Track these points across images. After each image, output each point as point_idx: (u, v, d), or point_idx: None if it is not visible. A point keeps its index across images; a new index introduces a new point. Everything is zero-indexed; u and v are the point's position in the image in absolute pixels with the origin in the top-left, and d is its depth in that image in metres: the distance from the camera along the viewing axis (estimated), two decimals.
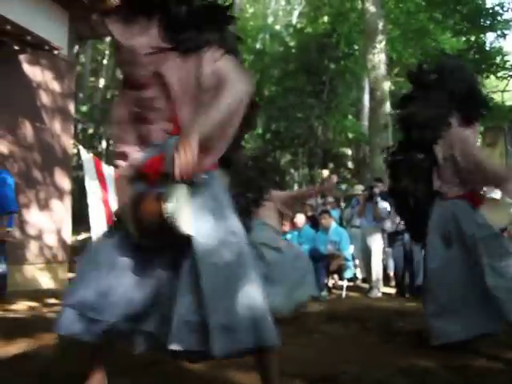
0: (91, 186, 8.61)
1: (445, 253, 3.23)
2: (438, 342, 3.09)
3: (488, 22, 16.02)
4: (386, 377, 2.56)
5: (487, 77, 17.39)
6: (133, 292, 1.99)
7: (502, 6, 15.99)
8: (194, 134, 1.86)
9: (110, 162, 15.03)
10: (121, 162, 2.22)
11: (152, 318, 2.00)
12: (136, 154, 2.16)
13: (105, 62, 22.84)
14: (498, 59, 16.40)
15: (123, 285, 2.00)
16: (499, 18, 15.97)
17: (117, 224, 2.12)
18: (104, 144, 21.04)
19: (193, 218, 1.95)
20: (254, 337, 1.87)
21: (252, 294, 1.95)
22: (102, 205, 8.65)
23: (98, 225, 8.50)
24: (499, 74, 16.65)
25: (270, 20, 24.22)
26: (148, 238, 1.98)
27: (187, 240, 1.93)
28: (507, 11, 15.84)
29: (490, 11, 16.03)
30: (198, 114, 2.00)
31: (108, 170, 9.16)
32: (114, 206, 8.91)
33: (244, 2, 21.39)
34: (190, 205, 1.95)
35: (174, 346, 1.84)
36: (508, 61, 16.40)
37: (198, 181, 2.00)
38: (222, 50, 2.07)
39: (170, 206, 1.85)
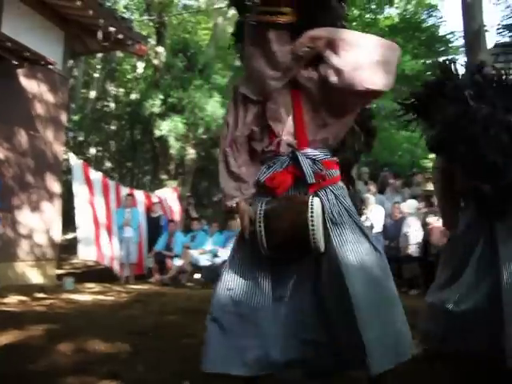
0: (79, 189, 8.55)
1: None
2: None
3: (442, 48, 16.42)
4: None
5: None
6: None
7: (453, 34, 16.47)
8: None
9: (97, 168, 14.92)
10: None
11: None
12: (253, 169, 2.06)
13: (96, 75, 22.65)
14: None
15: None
16: (451, 44, 16.42)
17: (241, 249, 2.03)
18: (93, 151, 20.84)
19: (332, 233, 1.87)
20: (398, 352, 1.82)
21: (399, 309, 1.91)
22: (89, 207, 8.59)
23: (84, 225, 8.45)
24: None
25: None
26: (279, 253, 1.88)
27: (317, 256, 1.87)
28: (457, 39, 16.28)
29: (444, 38, 16.43)
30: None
31: (95, 175, 9.10)
32: (101, 208, 8.86)
33: (226, 23, 21.40)
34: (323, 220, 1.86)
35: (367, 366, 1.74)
36: None
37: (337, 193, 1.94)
38: None
39: (315, 220, 1.78)
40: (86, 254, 8.64)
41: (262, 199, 1.94)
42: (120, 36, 8.31)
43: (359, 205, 2.61)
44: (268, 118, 1.99)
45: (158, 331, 3.46)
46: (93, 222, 8.57)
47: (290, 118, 1.97)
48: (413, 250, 7.33)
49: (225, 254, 8.21)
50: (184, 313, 4.45)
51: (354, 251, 1.85)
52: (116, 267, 8.76)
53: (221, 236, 8.86)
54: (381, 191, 9.35)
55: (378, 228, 7.83)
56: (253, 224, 1.90)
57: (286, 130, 1.97)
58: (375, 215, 7.87)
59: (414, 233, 7.42)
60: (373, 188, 8.97)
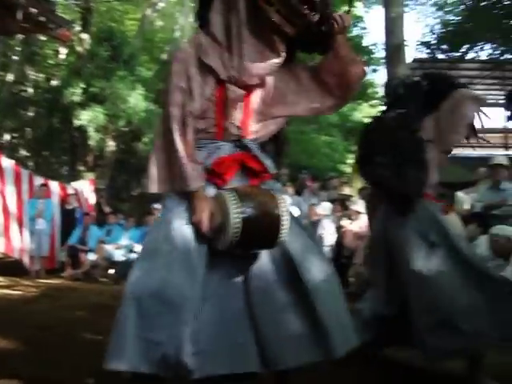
0: None
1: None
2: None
3: (364, 58, 17.08)
4: None
5: (360, 104, 18.53)
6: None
7: (375, 45, 17.18)
8: None
9: (11, 156, 14.19)
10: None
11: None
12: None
13: (14, 57, 21.52)
14: (370, 90, 17.51)
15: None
16: (373, 55, 17.12)
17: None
18: (7, 136, 19.81)
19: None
20: (352, 337, 1.86)
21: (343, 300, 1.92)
22: None
23: None
24: (371, 103, 17.80)
25: (178, 34, 24.00)
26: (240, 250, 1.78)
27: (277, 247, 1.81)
28: (379, 51, 17.02)
29: (367, 49, 17.12)
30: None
31: (7, 163, 8.65)
32: (11, 198, 8.44)
33: (155, 15, 21.05)
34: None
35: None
36: (378, 92, 17.60)
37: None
38: None
39: (286, 217, 1.75)
40: None
41: (218, 188, 1.86)
42: (42, 18, 7.96)
43: None
44: (225, 99, 1.91)
45: (64, 327, 3.37)
46: (2, 212, 8.15)
47: (242, 106, 1.93)
48: (326, 251, 7.57)
49: (140, 249, 8.11)
50: (94, 308, 4.36)
51: (299, 242, 1.87)
52: (26, 260, 8.39)
53: (137, 231, 8.71)
54: (298, 193, 9.59)
55: None
56: (214, 217, 1.78)
57: (235, 117, 1.93)
58: None
59: (328, 235, 7.67)
60: (290, 190, 9.18)
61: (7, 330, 2.99)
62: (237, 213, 1.68)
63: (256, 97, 1.96)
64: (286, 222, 1.75)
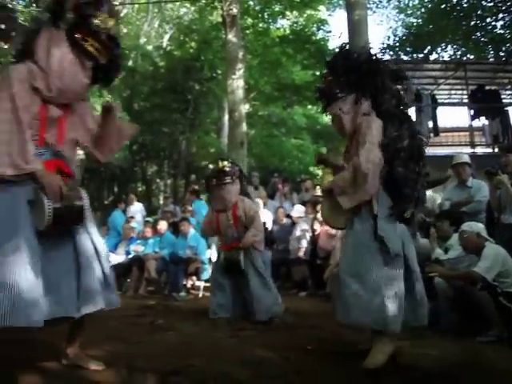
0: None
1: None
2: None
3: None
4: (228, 368, 2.66)
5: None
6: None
7: None
8: None
9: None
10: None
11: None
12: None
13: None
14: None
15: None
16: None
17: None
18: None
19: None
20: None
21: None
22: None
23: None
24: None
25: (143, 41, 23.82)
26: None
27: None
28: None
29: (332, 51, 17.25)
30: None
31: None
32: None
33: (119, 22, 20.87)
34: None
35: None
36: None
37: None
38: None
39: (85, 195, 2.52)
40: None
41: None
42: (2, 26, 7.83)
43: None
44: (46, 116, 2.48)
45: (41, 340, 3.30)
46: None
47: (58, 122, 2.55)
48: (302, 253, 7.61)
49: (114, 258, 7.98)
50: None
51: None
52: None
53: (110, 241, 8.53)
54: (271, 196, 9.63)
55: None
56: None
57: (52, 131, 2.52)
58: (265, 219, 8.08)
59: (303, 237, 7.71)
60: (263, 193, 9.22)
61: None
62: (48, 205, 2.31)
63: (68, 117, 2.59)
64: (87, 206, 2.49)
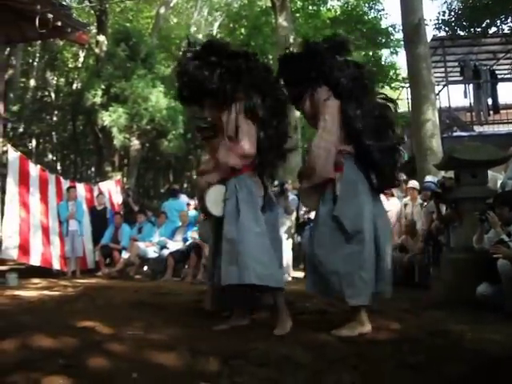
0: (12, 185, 8.12)
1: None
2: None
3: (383, 40, 16.75)
4: (289, 351, 2.66)
5: (382, 87, 18.18)
6: None
7: (394, 27, 16.76)
8: None
9: (38, 161, 14.36)
10: None
11: None
12: None
13: (35, 63, 21.83)
14: (392, 72, 17.20)
15: None
16: (392, 37, 16.75)
17: None
18: (34, 142, 20.11)
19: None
20: None
21: None
22: (18, 208, 8.13)
23: (10, 227, 7.97)
24: (392, 85, 17.47)
25: (193, 30, 24.03)
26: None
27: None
28: (398, 32, 16.61)
29: (385, 31, 16.77)
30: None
31: (35, 170, 8.69)
32: (36, 207, 8.42)
33: (169, 12, 21.08)
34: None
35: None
36: (400, 74, 17.23)
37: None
38: None
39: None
40: (9, 254, 8.11)
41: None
42: (59, 23, 8.04)
43: None
44: None
45: (104, 325, 3.40)
46: (22, 221, 8.13)
47: None
48: None
49: (172, 245, 8.14)
50: (131, 305, 4.40)
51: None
52: (56, 264, 8.45)
53: (168, 228, 8.75)
54: None
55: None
56: None
57: None
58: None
59: None
60: None
61: (52, 330, 3.02)
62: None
63: None
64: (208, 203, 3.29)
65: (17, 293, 5.71)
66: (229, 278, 3.05)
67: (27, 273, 7.88)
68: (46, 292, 5.92)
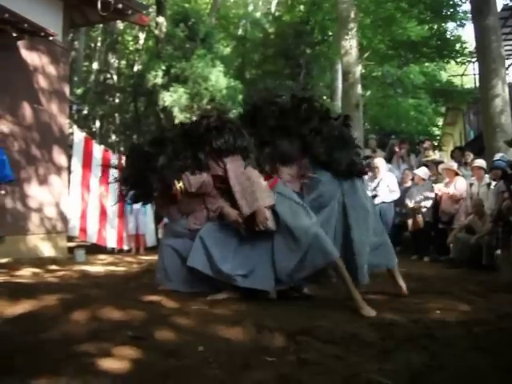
0: (76, 168, 8.50)
1: None
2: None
3: (449, 12, 15.98)
4: (356, 329, 2.62)
5: (448, 62, 17.48)
6: None
7: None
8: None
9: (102, 142, 14.79)
10: None
11: None
12: None
13: (97, 47, 22.42)
14: (458, 46, 16.46)
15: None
16: (458, 8, 15.96)
17: None
18: (98, 124, 20.75)
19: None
20: None
21: None
22: (80, 189, 8.50)
23: (74, 206, 8.37)
24: (458, 60, 16.74)
25: (251, 8, 23.90)
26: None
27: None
28: (465, 3, 15.80)
29: (451, 2, 15.97)
30: None
31: (98, 151, 8.98)
32: (95, 187, 8.78)
33: None
34: None
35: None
36: (466, 48, 16.46)
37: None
38: None
39: None
40: (74, 231, 8.51)
41: None
42: (119, 5, 8.20)
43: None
44: None
45: (169, 299, 3.47)
46: (83, 200, 8.51)
47: None
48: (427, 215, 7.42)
49: None
50: None
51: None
52: (111, 244, 8.76)
53: None
54: (388, 160, 9.30)
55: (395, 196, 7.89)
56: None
57: None
58: (391, 183, 7.87)
59: (429, 199, 7.45)
60: (380, 155, 8.95)
61: (120, 303, 3.11)
62: None
63: None
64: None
65: (84, 268, 5.95)
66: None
67: (93, 250, 8.21)
68: (112, 267, 6.12)
